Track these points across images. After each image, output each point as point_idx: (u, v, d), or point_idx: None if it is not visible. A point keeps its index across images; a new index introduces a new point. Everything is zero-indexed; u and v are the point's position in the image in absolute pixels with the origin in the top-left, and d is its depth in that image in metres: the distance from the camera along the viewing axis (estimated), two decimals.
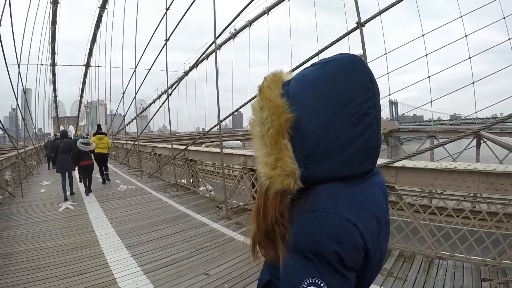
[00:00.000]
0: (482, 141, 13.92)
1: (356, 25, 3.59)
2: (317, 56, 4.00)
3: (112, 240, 4.22)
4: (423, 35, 16.02)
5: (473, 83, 14.54)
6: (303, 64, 3.97)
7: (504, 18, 12.73)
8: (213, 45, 5.10)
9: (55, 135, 17.32)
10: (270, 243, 0.67)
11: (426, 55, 15.99)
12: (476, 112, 14.80)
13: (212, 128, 6.30)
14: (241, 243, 4.05)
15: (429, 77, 16.04)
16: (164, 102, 7.98)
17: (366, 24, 3.65)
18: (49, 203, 6.86)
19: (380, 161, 3.82)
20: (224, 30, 5.51)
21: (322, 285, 0.57)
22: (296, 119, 0.64)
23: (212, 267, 3.35)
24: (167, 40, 7.35)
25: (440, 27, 15.57)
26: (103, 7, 23.97)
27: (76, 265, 3.45)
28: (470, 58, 14.31)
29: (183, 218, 5.26)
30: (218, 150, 7.67)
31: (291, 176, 0.63)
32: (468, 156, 13.75)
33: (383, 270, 3.17)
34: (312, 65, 0.70)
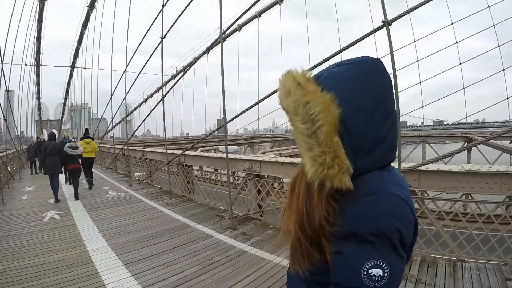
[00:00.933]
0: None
1: (382, 23, 3.37)
2: (338, 55, 3.82)
3: (106, 256, 3.71)
4: (415, 41, 16.23)
5: (463, 88, 14.82)
6: (324, 62, 3.81)
7: (494, 25, 13.01)
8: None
9: (37, 137, 16.52)
10: (314, 247, 0.67)
11: (418, 61, 16.20)
12: (466, 117, 15.03)
13: (216, 130, 5.88)
14: (255, 256, 3.66)
15: (420, 82, 16.24)
16: (158, 102, 7.48)
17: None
18: (33, 211, 6.22)
19: (406, 165, 3.70)
20: (228, 28, 5.13)
21: (384, 266, 0.58)
22: (342, 115, 0.64)
23: (227, 286, 2.94)
24: (163, 38, 6.91)
25: (431, 34, 15.77)
26: (91, 6, 23.11)
27: None
28: (460, 64, 14.56)
29: (183, 229, 4.80)
30: (218, 155, 7.31)
31: (346, 173, 0.63)
32: (459, 160, 13.90)
33: (411, 277, 3.03)
34: (338, 65, 0.70)
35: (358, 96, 0.65)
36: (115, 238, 4.41)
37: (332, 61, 0.78)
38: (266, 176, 5.22)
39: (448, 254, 3.51)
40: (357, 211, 0.61)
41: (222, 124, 4.93)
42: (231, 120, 4.88)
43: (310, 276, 0.72)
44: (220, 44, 4.59)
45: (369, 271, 0.58)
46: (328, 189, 0.64)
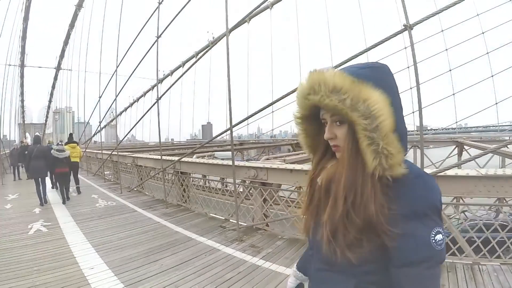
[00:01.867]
0: (463, 149, 14.39)
1: (404, 27, 3.25)
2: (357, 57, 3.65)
3: (104, 276, 3.31)
4: (405, 48, 16.43)
5: (453, 94, 15.08)
6: (347, 61, 3.65)
7: (483, 33, 13.33)
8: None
9: (21, 141, 15.70)
10: (364, 235, 0.71)
11: (408, 67, 16.39)
12: (456, 122, 15.29)
13: (219, 135, 5.56)
14: (270, 271, 3.37)
15: (411, 88, 16.40)
16: (153, 105, 7.10)
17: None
18: (17, 222, 5.68)
19: (429, 170, 3.60)
20: (234, 28, 4.85)
21: (441, 230, 0.70)
22: None
23: None
24: (158, 37, 6.56)
25: (423, 40, 16.00)
26: (79, 6, 22.35)
27: None
28: (450, 70, 14.80)
29: (185, 242, 4.43)
30: (219, 161, 6.98)
31: (401, 161, 0.71)
32: (449, 162, 14.09)
33: None
34: (361, 67, 0.76)
35: (390, 95, 0.72)
36: (111, 254, 4.01)
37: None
38: (272, 184, 4.95)
39: (465, 259, 3.51)
40: (413, 193, 0.70)
41: (206, 129, 4.65)
42: (237, 124, 4.59)
43: (355, 270, 0.75)
44: (225, 42, 4.32)
45: (435, 238, 0.68)
46: (386, 178, 0.70)
